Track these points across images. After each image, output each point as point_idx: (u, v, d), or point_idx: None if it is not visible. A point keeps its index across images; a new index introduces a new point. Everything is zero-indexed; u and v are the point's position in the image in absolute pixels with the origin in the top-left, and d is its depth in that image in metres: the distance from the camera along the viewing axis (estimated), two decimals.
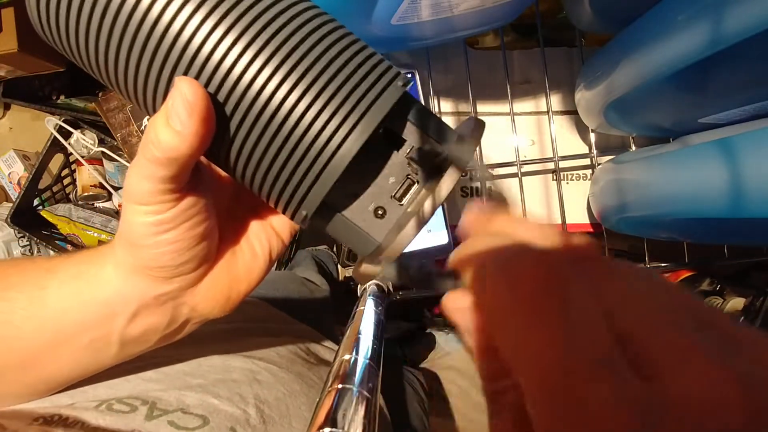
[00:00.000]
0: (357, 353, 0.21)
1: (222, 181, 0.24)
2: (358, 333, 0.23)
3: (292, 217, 0.18)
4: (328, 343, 0.40)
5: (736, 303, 0.37)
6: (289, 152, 0.16)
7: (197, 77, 0.16)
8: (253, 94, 0.15)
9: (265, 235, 0.25)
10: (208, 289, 0.23)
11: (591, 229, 0.45)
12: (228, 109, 0.16)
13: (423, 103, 0.18)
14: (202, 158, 0.19)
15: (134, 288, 0.22)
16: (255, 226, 0.25)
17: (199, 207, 0.20)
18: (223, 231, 0.23)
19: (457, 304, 0.17)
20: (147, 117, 0.87)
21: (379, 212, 0.18)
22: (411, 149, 0.17)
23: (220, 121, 0.16)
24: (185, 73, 0.16)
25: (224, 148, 0.17)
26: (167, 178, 0.18)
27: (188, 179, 0.19)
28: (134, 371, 0.26)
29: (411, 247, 0.33)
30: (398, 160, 0.18)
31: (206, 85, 0.16)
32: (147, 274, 0.21)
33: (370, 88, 0.16)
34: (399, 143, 0.17)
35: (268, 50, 0.15)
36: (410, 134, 0.17)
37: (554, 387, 0.11)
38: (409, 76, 0.29)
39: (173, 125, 0.16)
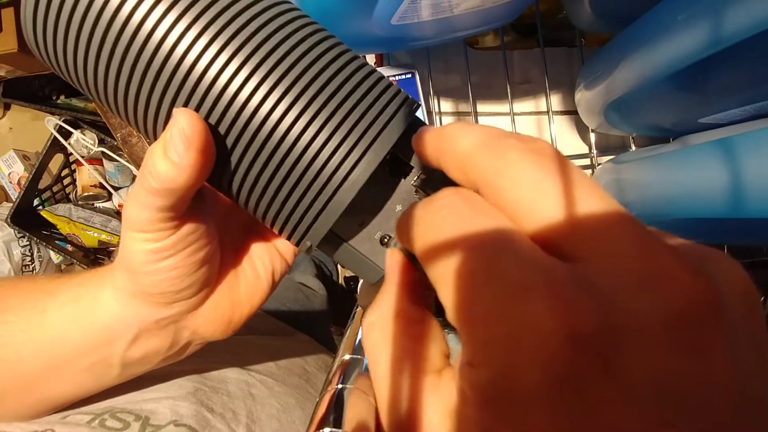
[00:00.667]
0: (357, 353, 0.21)
1: (224, 204, 0.23)
2: (358, 333, 0.23)
3: (296, 245, 0.17)
4: (325, 353, 0.40)
5: None
6: (294, 182, 0.15)
7: (198, 106, 0.15)
8: (257, 123, 0.15)
9: (269, 256, 0.24)
10: (209, 312, 0.23)
11: None
12: (231, 137, 0.15)
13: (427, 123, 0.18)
14: (204, 183, 0.18)
15: (134, 313, 0.21)
16: (258, 248, 0.24)
17: (200, 233, 0.19)
18: (225, 254, 0.23)
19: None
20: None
21: (385, 240, 0.17)
22: (418, 176, 0.17)
23: (222, 150, 0.16)
24: (186, 103, 0.15)
25: (227, 176, 0.16)
26: (165, 207, 0.17)
27: (188, 206, 0.18)
28: (133, 381, 0.26)
29: None
30: (405, 187, 0.17)
31: (208, 114, 0.15)
32: (147, 299, 0.21)
33: (378, 115, 0.15)
34: (406, 170, 0.17)
35: (272, 78, 0.15)
36: (417, 161, 0.17)
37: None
38: (409, 75, 0.29)
39: (171, 157, 0.16)
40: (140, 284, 0.20)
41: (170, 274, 0.20)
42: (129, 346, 0.22)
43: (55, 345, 0.22)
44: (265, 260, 0.25)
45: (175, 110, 0.15)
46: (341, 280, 0.99)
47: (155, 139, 0.17)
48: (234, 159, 0.16)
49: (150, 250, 0.19)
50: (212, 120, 0.15)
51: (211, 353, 0.30)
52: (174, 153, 0.15)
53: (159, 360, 0.24)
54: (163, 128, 0.16)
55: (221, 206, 0.23)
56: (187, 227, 0.19)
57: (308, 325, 0.44)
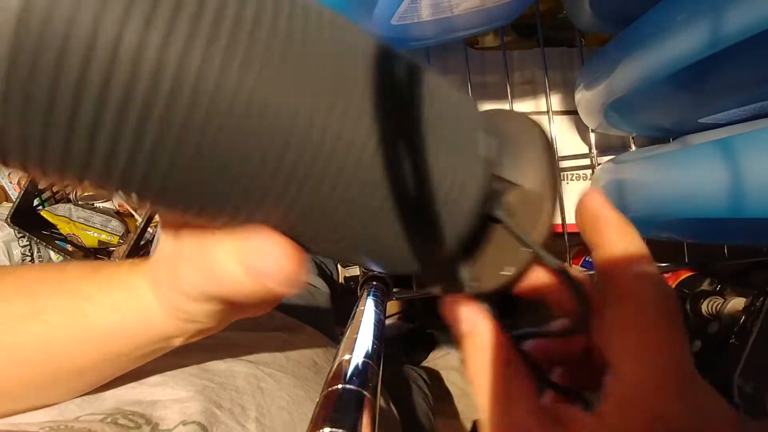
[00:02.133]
0: (357, 353, 0.21)
1: None
2: (358, 333, 0.23)
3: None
4: (333, 347, 0.40)
5: (737, 303, 0.37)
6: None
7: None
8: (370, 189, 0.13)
9: None
10: None
11: None
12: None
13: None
14: None
15: (205, 311, 0.21)
16: None
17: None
18: None
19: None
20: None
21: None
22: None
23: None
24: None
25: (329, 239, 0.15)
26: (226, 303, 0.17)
27: None
28: (141, 376, 0.26)
29: None
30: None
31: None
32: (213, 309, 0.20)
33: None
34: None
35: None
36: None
37: None
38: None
39: (249, 273, 0.14)
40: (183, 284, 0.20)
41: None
42: (190, 336, 0.22)
43: (102, 346, 0.22)
44: None
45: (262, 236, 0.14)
46: (341, 279, 0.99)
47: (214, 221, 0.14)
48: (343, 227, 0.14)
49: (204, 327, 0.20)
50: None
51: (217, 347, 0.30)
52: (254, 273, 0.14)
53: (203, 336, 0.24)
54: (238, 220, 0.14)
55: None
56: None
57: (314, 321, 0.44)
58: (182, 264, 0.17)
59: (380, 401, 0.32)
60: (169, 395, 0.26)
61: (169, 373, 0.27)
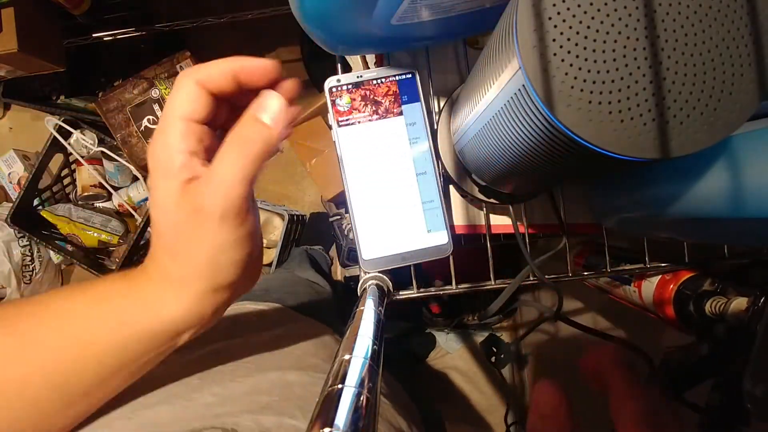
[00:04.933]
0: (357, 353, 0.21)
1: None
2: (358, 333, 0.23)
3: None
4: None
5: (740, 303, 0.37)
6: None
7: None
8: None
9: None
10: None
11: (591, 229, 0.45)
12: None
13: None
14: None
15: (212, 305, 0.23)
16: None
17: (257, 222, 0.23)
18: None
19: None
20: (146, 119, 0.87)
21: None
22: None
23: None
24: None
25: None
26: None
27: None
28: (189, 395, 0.26)
29: (411, 247, 0.33)
30: None
31: None
32: (221, 293, 0.23)
33: None
34: None
35: None
36: None
37: None
38: (409, 76, 0.29)
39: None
40: (221, 275, 0.22)
41: (246, 260, 0.22)
42: (192, 334, 0.23)
43: (113, 358, 0.22)
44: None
45: None
46: (340, 278, 0.99)
47: None
48: None
49: (239, 237, 0.21)
50: None
51: (263, 365, 0.29)
52: None
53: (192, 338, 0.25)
54: None
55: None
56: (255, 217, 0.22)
57: (326, 317, 0.44)
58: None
59: (389, 400, 0.32)
60: (235, 410, 0.25)
61: (220, 393, 0.26)
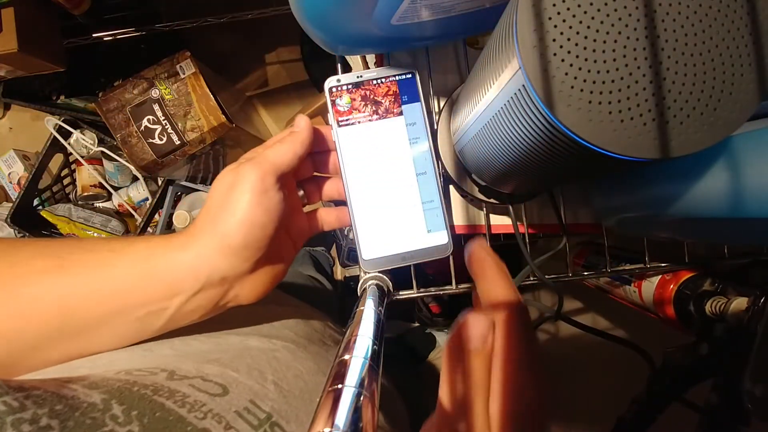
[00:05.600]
0: (357, 353, 0.21)
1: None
2: (358, 333, 0.23)
3: None
4: (338, 333, 0.40)
5: (740, 303, 0.37)
6: None
7: None
8: None
9: (299, 231, 0.31)
10: (256, 278, 0.27)
11: (591, 229, 0.45)
12: None
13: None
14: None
15: (209, 266, 0.25)
16: (295, 223, 0.30)
17: (287, 195, 0.27)
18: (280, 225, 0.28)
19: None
20: (147, 118, 0.87)
21: None
22: None
23: None
24: None
25: None
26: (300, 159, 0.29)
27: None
28: (150, 347, 0.27)
29: (411, 247, 0.33)
30: None
31: None
32: (228, 253, 0.25)
33: None
34: None
35: None
36: None
37: None
38: (409, 76, 0.29)
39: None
40: (232, 235, 0.25)
41: (260, 228, 0.25)
42: (188, 299, 0.25)
43: (118, 297, 0.24)
44: (296, 235, 0.30)
45: None
46: (341, 277, 0.99)
47: None
48: None
49: (255, 203, 0.25)
50: None
51: (230, 321, 0.31)
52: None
53: (198, 317, 0.27)
54: None
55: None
56: (282, 195, 0.26)
57: (323, 308, 0.44)
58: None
59: (390, 399, 0.32)
60: (184, 360, 0.26)
61: (179, 347, 0.27)
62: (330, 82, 0.31)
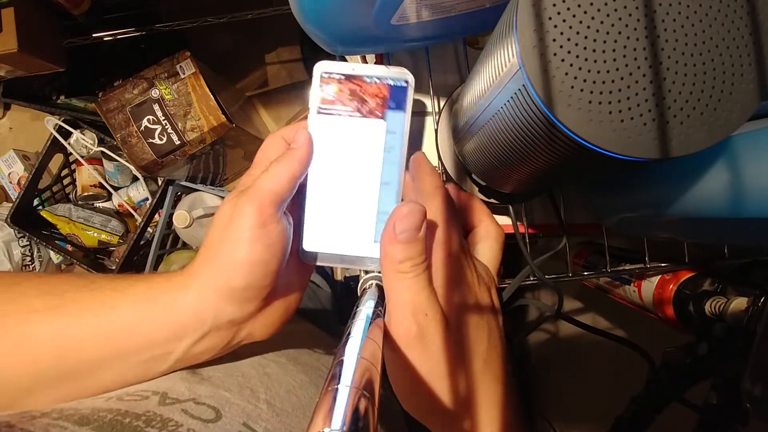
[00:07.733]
0: (356, 353, 0.21)
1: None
2: (358, 333, 0.23)
3: None
4: (333, 339, 0.40)
5: (740, 303, 0.37)
6: None
7: None
8: None
9: (308, 270, 0.30)
10: (268, 314, 0.26)
11: (591, 229, 0.45)
12: None
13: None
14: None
15: (214, 310, 0.24)
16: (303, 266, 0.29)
17: (287, 231, 0.26)
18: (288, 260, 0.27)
19: None
20: (145, 120, 0.87)
21: None
22: None
23: None
24: None
25: None
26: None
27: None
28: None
29: (352, 252, 0.32)
30: None
31: None
32: (231, 295, 0.24)
33: None
34: None
35: None
36: None
37: None
38: (404, 85, 0.28)
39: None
40: (232, 277, 0.24)
41: (262, 265, 0.24)
42: (195, 342, 0.24)
43: (119, 339, 0.24)
44: (305, 275, 0.29)
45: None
46: (340, 278, 0.99)
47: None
48: None
49: (256, 237, 0.23)
50: None
51: None
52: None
53: (209, 357, 0.26)
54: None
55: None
56: (284, 224, 0.25)
57: (317, 316, 0.44)
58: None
59: (384, 399, 0.32)
60: (174, 379, 0.26)
61: (170, 375, 0.27)
62: (322, 65, 0.29)
